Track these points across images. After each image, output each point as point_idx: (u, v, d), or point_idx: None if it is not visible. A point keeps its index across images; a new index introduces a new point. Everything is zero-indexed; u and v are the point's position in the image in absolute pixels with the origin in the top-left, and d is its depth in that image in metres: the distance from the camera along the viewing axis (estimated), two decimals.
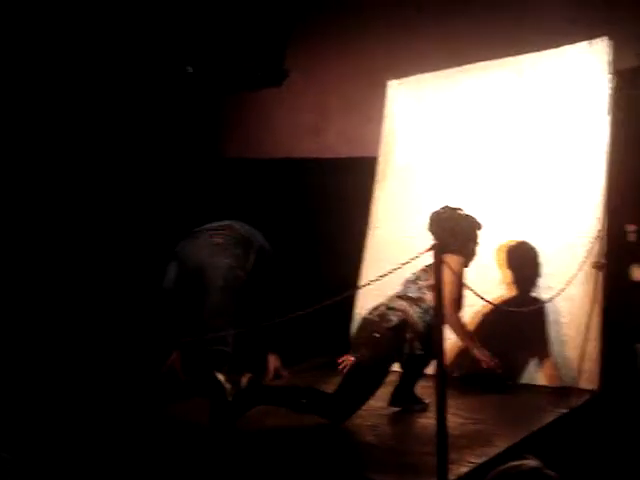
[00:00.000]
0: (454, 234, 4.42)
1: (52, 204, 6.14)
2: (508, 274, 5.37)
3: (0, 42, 5.79)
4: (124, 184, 6.63)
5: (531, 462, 1.97)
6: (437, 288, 3.40)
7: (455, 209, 4.56)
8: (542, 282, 5.21)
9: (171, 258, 5.19)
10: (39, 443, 3.90)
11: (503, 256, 5.38)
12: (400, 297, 4.39)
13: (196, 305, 4.96)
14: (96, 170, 6.45)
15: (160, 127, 6.99)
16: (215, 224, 5.19)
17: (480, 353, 4.36)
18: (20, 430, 4.00)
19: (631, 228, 5.29)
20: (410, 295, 4.37)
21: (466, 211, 4.58)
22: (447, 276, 4.22)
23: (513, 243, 5.37)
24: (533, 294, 5.24)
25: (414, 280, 4.44)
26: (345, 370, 4.16)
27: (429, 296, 4.27)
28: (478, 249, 4.59)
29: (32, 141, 6.09)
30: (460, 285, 4.30)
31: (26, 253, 5.90)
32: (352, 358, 4.18)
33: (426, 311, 4.29)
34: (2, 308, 5.39)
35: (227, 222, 5.20)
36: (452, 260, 4.17)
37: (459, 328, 4.36)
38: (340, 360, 4.20)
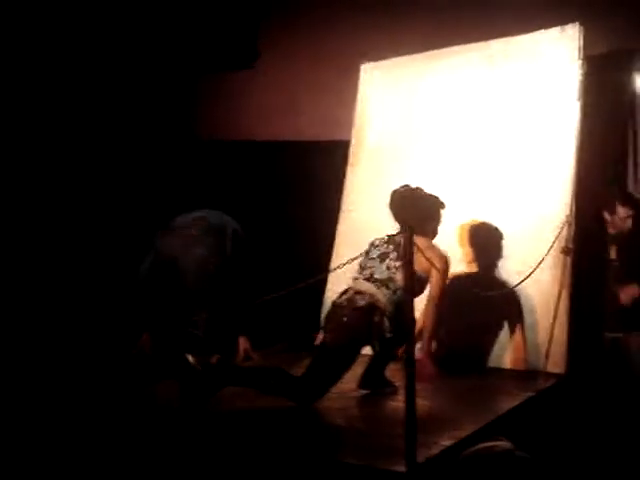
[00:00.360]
0: (413, 213, 4.42)
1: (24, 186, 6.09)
2: (471, 256, 5.39)
3: None
4: (97, 169, 6.58)
5: (503, 444, 1.99)
6: (407, 270, 3.40)
7: (415, 188, 4.56)
8: (511, 266, 5.25)
9: (149, 248, 5.25)
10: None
11: (470, 237, 5.40)
12: (367, 279, 4.39)
13: (170, 292, 5.03)
14: (68, 155, 6.39)
15: (132, 110, 6.92)
16: (189, 217, 5.25)
17: (426, 355, 4.42)
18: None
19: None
20: (377, 277, 4.37)
21: (429, 190, 4.59)
22: (437, 283, 4.33)
23: (480, 224, 5.39)
24: (501, 277, 5.27)
25: (380, 259, 4.43)
26: (314, 353, 4.18)
27: (399, 276, 4.26)
28: (441, 228, 4.61)
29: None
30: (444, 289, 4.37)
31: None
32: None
33: (394, 292, 4.30)
34: None
35: (200, 214, 5.27)
36: (440, 262, 4.22)
37: (434, 318, 4.42)
38: (315, 335, 4.22)
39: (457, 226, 5.39)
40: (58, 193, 6.28)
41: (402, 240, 3.74)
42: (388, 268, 4.38)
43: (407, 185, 4.58)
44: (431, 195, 4.56)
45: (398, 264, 4.31)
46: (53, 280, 6.07)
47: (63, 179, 6.32)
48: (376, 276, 4.38)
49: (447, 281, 4.39)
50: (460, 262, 5.37)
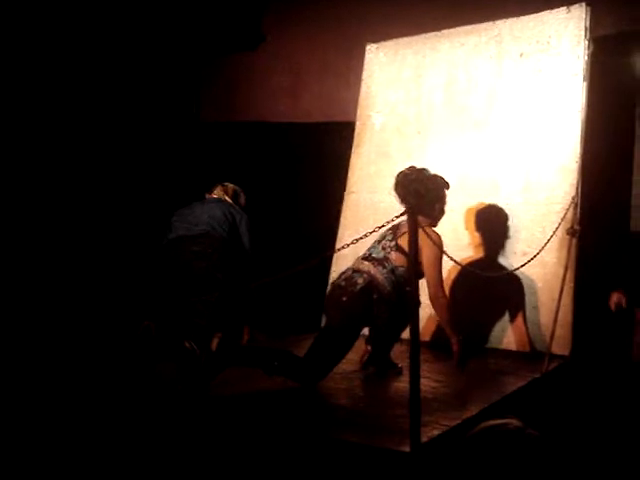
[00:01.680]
0: (419, 195, 4.41)
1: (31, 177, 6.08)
2: (479, 237, 5.39)
3: None
4: (102, 153, 6.57)
5: (514, 421, 1.97)
6: (412, 252, 3.39)
7: (421, 169, 4.53)
8: (517, 248, 5.25)
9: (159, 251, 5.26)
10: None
11: (475, 218, 5.40)
12: (365, 259, 4.40)
13: (174, 282, 5.04)
14: (72, 141, 6.37)
15: (138, 94, 6.90)
16: (192, 231, 5.20)
17: (457, 345, 4.41)
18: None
19: None
20: (374, 256, 4.38)
21: (433, 172, 4.56)
22: (429, 255, 4.26)
23: (486, 206, 5.39)
24: (506, 259, 5.27)
25: (378, 241, 4.44)
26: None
27: (394, 256, 4.30)
28: (447, 209, 4.59)
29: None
30: (441, 261, 4.31)
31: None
32: None
33: (391, 271, 4.30)
34: None
35: (203, 230, 5.21)
36: (433, 234, 4.15)
37: (446, 312, 4.38)
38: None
39: (465, 210, 5.37)
40: (64, 179, 6.27)
41: (400, 221, 3.75)
42: (384, 248, 4.39)
43: (412, 166, 4.56)
44: (436, 175, 4.53)
45: (392, 244, 4.35)
46: (60, 265, 6.07)
47: (68, 165, 6.31)
48: (373, 255, 4.39)
49: (442, 257, 4.29)
50: (466, 248, 5.37)
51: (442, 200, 4.54)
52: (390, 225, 4.02)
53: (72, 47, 6.32)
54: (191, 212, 5.33)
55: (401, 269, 4.29)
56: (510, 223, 5.31)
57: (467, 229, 5.43)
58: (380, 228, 3.75)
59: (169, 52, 7.12)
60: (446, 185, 4.55)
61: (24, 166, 6.04)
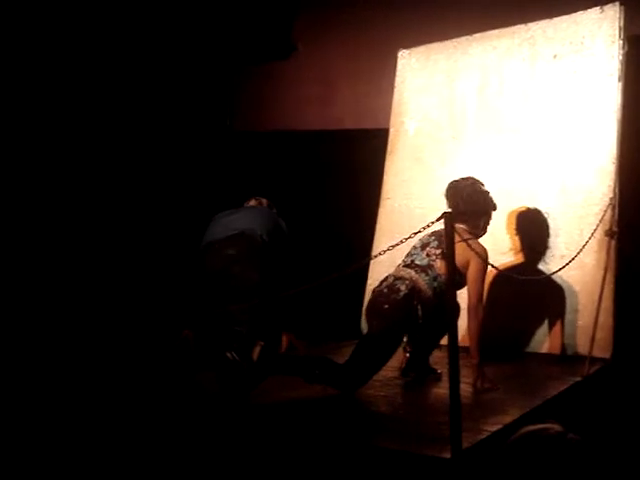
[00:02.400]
0: (469, 202, 4.43)
1: (61, 178, 6.15)
2: (517, 241, 5.37)
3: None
4: (135, 162, 6.63)
5: (555, 426, 1.96)
6: (449, 256, 3.38)
7: (478, 180, 4.56)
8: (555, 251, 5.21)
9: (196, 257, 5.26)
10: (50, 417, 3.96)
11: (513, 223, 5.38)
12: (407, 266, 4.39)
13: (215, 292, 5.05)
14: (106, 148, 6.44)
15: (170, 103, 6.97)
16: (231, 231, 5.18)
17: (478, 370, 4.29)
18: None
19: None
20: (418, 263, 4.37)
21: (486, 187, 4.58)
22: (475, 269, 4.26)
23: (524, 210, 5.37)
24: (545, 262, 5.23)
25: (421, 247, 4.44)
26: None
27: (438, 264, 4.29)
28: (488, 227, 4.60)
29: (28, 123, 6.07)
30: (485, 275, 4.31)
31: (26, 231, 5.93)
32: None
33: (434, 278, 4.30)
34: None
35: (238, 230, 5.18)
36: (479, 247, 4.17)
37: (478, 327, 4.27)
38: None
39: (506, 215, 5.35)
40: (99, 187, 6.34)
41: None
42: (428, 255, 4.38)
43: (470, 177, 4.57)
44: (488, 192, 4.55)
45: (438, 252, 4.33)
46: (97, 274, 6.14)
47: (98, 167, 6.36)
48: (417, 262, 4.38)
49: (486, 272, 4.31)
50: (505, 252, 5.34)
51: (489, 216, 4.55)
52: (431, 231, 4.02)
53: (109, 58, 6.40)
54: (229, 216, 5.32)
55: (444, 277, 4.27)
56: (548, 226, 5.28)
57: (505, 234, 5.40)
58: (416, 234, 3.76)
59: (202, 62, 7.18)
60: (494, 206, 4.57)
61: (53, 173, 6.10)
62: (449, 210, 4.23)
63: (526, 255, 5.35)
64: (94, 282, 6.08)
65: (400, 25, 6.47)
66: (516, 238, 5.38)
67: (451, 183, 4.58)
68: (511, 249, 5.39)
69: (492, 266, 4.13)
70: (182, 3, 6.78)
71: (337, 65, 6.99)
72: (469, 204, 4.45)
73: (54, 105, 6.10)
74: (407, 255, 4.48)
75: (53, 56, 6.05)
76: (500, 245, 5.33)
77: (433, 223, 3.51)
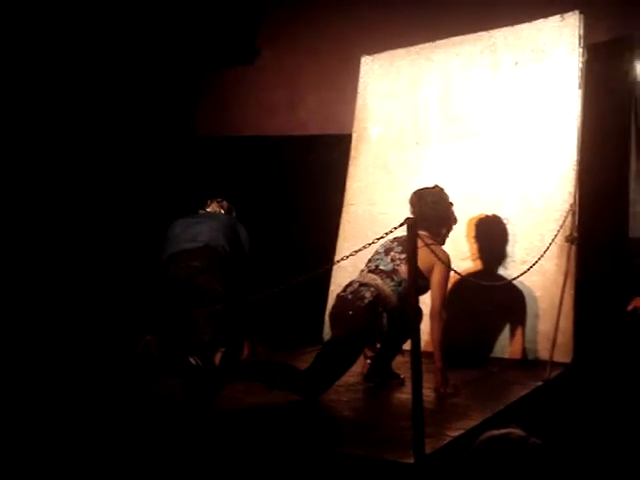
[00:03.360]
0: (435, 209, 4.47)
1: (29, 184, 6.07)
2: (478, 247, 5.40)
3: None
4: (96, 167, 6.56)
5: (517, 431, 1.96)
6: (412, 261, 3.39)
7: (441, 190, 4.59)
8: (516, 256, 5.25)
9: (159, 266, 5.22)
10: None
11: (475, 229, 5.41)
12: (372, 271, 4.39)
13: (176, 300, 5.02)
14: (67, 153, 6.37)
15: (133, 106, 6.91)
16: (195, 244, 5.16)
17: (441, 375, 4.30)
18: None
19: None
20: (382, 268, 4.37)
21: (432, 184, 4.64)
22: (439, 275, 4.29)
23: (485, 216, 5.40)
24: (506, 268, 5.27)
25: (385, 252, 4.44)
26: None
27: (403, 268, 4.27)
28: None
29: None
30: (448, 280, 4.36)
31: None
32: None
33: (399, 283, 4.30)
34: None
35: (202, 242, 5.17)
36: (442, 254, 4.21)
37: (440, 333, 4.30)
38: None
39: (466, 222, 5.37)
40: (58, 192, 6.26)
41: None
42: (392, 260, 4.38)
43: (437, 185, 4.60)
44: (452, 203, 4.61)
45: (403, 256, 4.32)
46: (57, 280, 6.06)
47: (62, 177, 6.30)
48: (381, 267, 4.38)
49: (449, 276, 4.34)
50: (466, 258, 5.37)
51: (449, 227, 4.60)
52: (393, 236, 4.03)
53: (68, 58, 6.33)
54: (190, 225, 5.30)
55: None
56: (509, 232, 5.32)
57: (466, 239, 5.44)
58: (379, 239, 3.77)
59: (165, 65, 7.13)
60: (455, 219, 4.63)
61: (22, 176, 6.03)
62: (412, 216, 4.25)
63: (487, 261, 5.38)
64: (55, 287, 6.01)
65: (363, 32, 6.49)
66: (476, 244, 5.41)
67: (417, 190, 4.60)
68: (472, 255, 5.42)
69: (455, 272, 4.15)
70: (146, 6, 6.73)
71: (301, 70, 6.98)
72: (433, 211, 4.47)
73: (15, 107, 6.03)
74: (370, 261, 4.48)
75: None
76: (461, 251, 5.36)
77: (396, 228, 3.51)
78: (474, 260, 5.41)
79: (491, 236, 5.38)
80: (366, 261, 4.49)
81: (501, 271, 5.29)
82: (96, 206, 6.49)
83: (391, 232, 3.60)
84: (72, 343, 5.31)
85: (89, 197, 6.46)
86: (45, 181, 6.18)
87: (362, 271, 4.46)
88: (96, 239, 6.41)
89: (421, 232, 4.12)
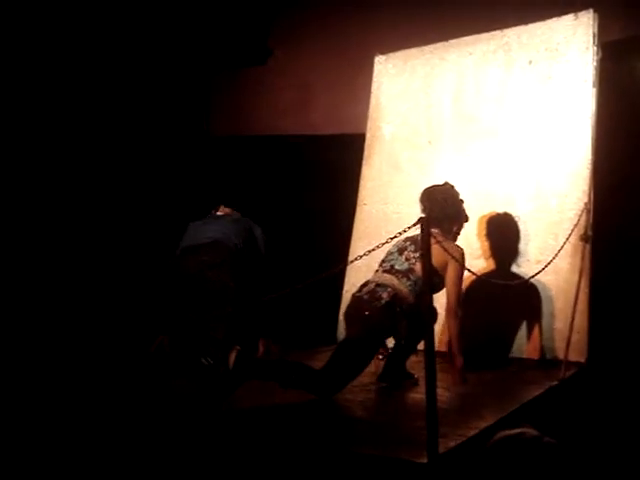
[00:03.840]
0: (444, 207, 4.47)
1: (39, 187, 6.11)
2: (492, 246, 5.39)
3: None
4: (113, 168, 6.59)
5: (530, 431, 1.97)
6: (425, 261, 3.39)
7: (453, 186, 4.60)
8: (530, 255, 5.23)
9: (171, 264, 5.23)
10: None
11: (488, 228, 5.40)
12: (387, 271, 4.39)
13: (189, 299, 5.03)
14: (80, 152, 6.40)
15: (146, 108, 6.94)
16: (204, 240, 5.17)
17: (459, 368, 4.37)
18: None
19: None
20: (398, 268, 4.37)
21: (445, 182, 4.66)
22: (453, 272, 4.30)
23: (498, 215, 5.39)
24: (520, 267, 5.25)
25: (398, 252, 4.44)
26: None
27: (419, 267, 4.27)
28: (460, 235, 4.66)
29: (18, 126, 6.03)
30: (463, 277, 4.37)
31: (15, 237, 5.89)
32: None
33: (415, 282, 4.30)
34: None
35: (212, 238, 5.18)
36: (456, 251, 4.21)
37: (458, 328, 4.35)
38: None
39: (478, 219, 5.37)
40: (74, 192, 6.30)
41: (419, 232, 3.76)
42: (407, 259, 4.38)
43: (447, 182, 4.61)
44: (463, 201, 4.62)
45: (417, 255, 4.32)
46: (72, 280, 6.09)
47: (78, 178, 6.34)
48: (397, 267, 4.38)
49: (464, 273, 4.35)
50: (479, 257, 5.36)
51: (460, 224, 4.61)
52: (406, 236, 4.03)
53: (85, 59, 6.37)
54: (204, 223, 5.32)
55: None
56: (523, 231, 5.30)
57: (480, 238, 5.42)
58: (392, 239, 3.77)
59: (179, 67, 7.16)
60: (467, 217, 4.66)
61: (31, 177, 6.06)
62: (424, 215, 4.25)
63: (501, 260, 5.36)
64: (70, 286, 6.04)
65: (377, 31, 6.49)
66: (490, 243, 5.40)
67: (426, 188, 4.61)
68: (484, 253, 5.41)
69: (469, 271, 4.15)
70: (160, 8, 6.76)
71: (314, 70, 6.99)
72: (443, 208, 4.48)
73: (24, 107, 6.06)
74: (384, 261, 4.48)
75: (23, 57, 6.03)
76: (474, 250, 5.35)
77: (409, 228, 3.52)
78: (487, 259, 5.40)
79: (505, 235, 5.36)
80: (379, 262, 4.50)
81: (515, 270, 5.28)
82: (112, 206, 6.53)
83: (404, 232, 3.61)
84: (86, 343, 5.34)
85: (105, 197, 6.50)
86: (62, 182, 6.22)
87: (377, 271, 4.46)
88: (111, 239, 6.44)
89: (433, 230, 4.11)
